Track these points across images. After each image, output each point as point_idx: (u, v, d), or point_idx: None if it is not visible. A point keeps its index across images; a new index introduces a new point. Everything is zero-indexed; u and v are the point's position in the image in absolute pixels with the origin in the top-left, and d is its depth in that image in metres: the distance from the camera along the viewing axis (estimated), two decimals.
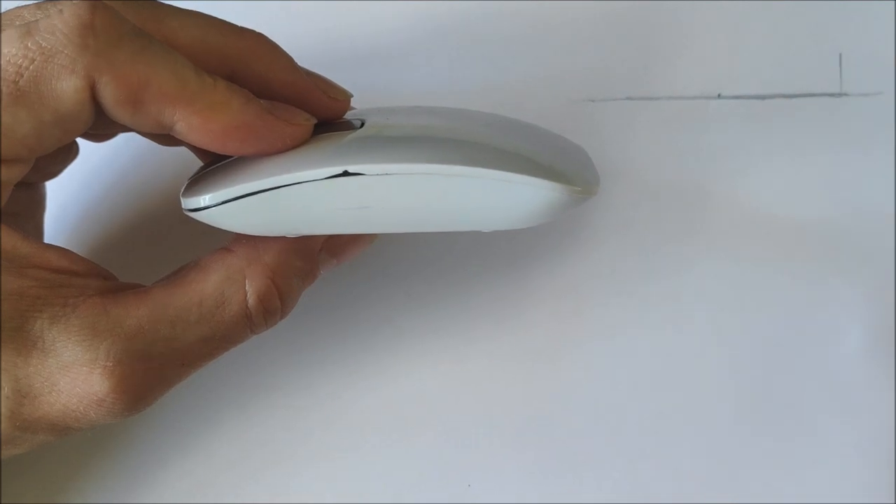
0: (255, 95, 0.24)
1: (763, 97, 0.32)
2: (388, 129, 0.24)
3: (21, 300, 0.22)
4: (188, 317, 0.24)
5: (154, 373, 0.23)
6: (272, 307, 0.25)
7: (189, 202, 0.24)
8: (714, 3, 0.33)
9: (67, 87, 0.21)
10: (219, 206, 0.23)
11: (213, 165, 0.25)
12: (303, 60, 0.25)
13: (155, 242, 0.31)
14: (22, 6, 0.24)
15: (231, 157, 0.25)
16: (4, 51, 0.21)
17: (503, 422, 0.31)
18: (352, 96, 0.26)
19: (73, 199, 0.31)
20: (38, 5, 0.24)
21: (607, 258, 0.32)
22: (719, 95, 0.33)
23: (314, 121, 0.24)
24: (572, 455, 0.31)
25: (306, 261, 0.26)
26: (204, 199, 0.23)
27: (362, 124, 0.25)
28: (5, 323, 0.22)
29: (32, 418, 0.23)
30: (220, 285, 0.24)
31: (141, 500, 0.30)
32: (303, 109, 0.25)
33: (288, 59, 0.25)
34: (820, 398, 0.31)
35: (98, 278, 0.24)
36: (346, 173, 0.23)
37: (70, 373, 0.22)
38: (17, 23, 0.23)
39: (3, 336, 0.22)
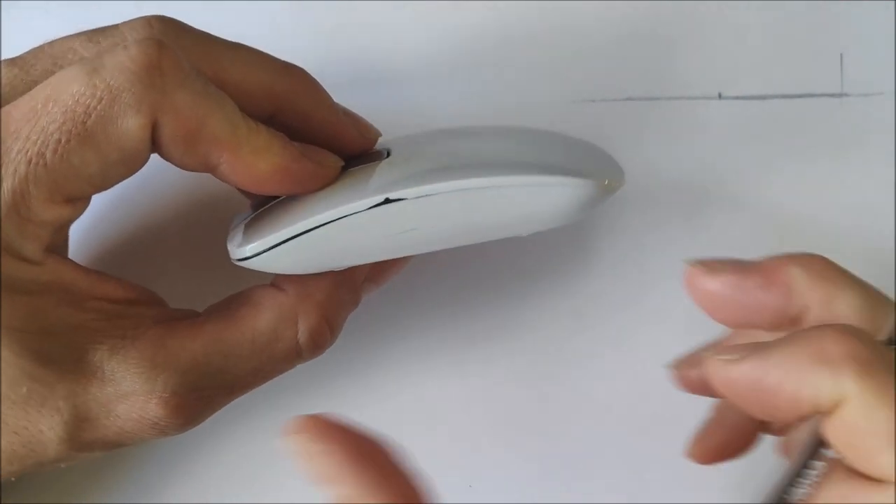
0: (293, 132, 0.25)
1: (764, 97, 0.32)
2: (418, 154, 0.25)
3: (81, 333, 0.23)
4: (240, 351, 0.25)
5: (205, 401, 0.25)
6: (322, 341, 0.26)
7: (237, 252, 0.25)
8: (714, 3, 0.33)
9: (132, 125, 0.22)
10: (267, 253, 0.24)
11: (254, 213, 0.26)
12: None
13: (159, 243, 0.31)
14: (71, 37, 0.24)
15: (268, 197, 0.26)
16: (73, 90, 0.21)
17: (504, 422, 0.31)
18: (381, 135, 0.27)
19: None
20: (89, 37, 0.24)
21: (608, 260, 0.32)
22: (720, 95, 0.32)
23: (342, 163, 0.25)
24: (573, 456, 0.31)
25: (353, 292, 0.27)
26: (251, 248, 0.24)
27: (388, 153, 0.25)
28: (68, 355, 0.23)
29: (90, 440, 0.23)
30: (272, 323, 0.25)
31: (146, 501, 0.30)
32: (335, 144, 0.26)
33: (327, 98, 0.26)
34: None
35: (152, 305, 0.25)
36: (387, 200, 0.23)
37: (127, 400, 0.23)
38: (71, 56, 0.24)
39: (65, 367, 0.23)
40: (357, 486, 0.20)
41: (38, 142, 0.21)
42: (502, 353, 0.31)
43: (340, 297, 0.26)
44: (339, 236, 0.24)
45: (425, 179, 0.24)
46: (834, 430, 0.19)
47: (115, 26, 0.24)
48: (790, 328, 0.23)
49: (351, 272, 0.26)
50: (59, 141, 0.21)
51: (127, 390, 0.23)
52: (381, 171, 0.24)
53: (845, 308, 0.22)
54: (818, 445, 0.21)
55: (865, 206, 0.32)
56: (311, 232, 0.24)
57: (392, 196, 0.23)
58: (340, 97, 0.27)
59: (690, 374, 0.26)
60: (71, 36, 0.24)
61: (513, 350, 0.31)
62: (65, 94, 0.21)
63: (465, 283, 0.32)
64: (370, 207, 0.23)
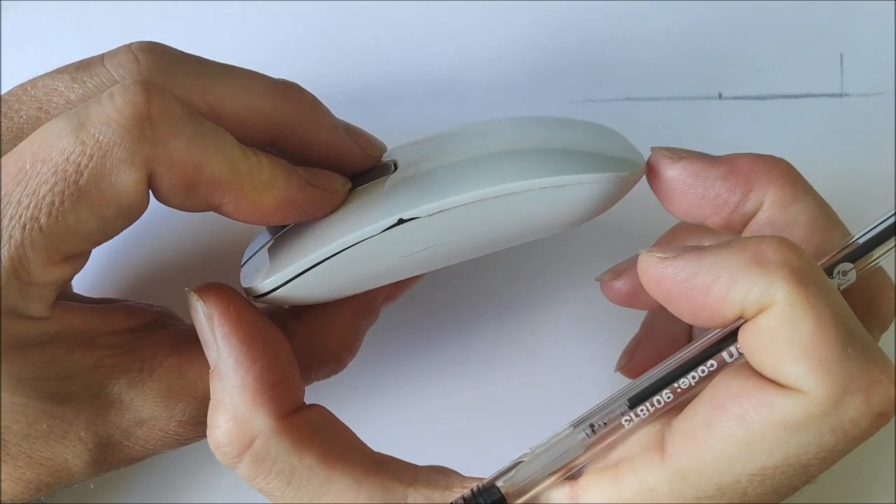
0: (296, 155, 0.24)
1: (764, 97, 0.32)
2: (425, 164, 0.24)
3: (97, 371, 0.23)
4: None
5: None
6: (340, 367, 0.26)
7: (253, 289, 0.24)
8: (715, 3, 0.33)
9: (127, 180, 0.21)
10: (280, 289, 0.23)
11: (261, 247, 0.25)
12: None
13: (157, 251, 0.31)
14: (54, 76, 0.23)
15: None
16: (61, 146, 0.21)
17: (506, 422, 0.31)
18: (385, 149, 0.26)
19: None
20: (72, 77, 0.23)
21: (607, 261, 0.32)
22: (720, 95, 0.32)
23: (350, 184, 0.24)
24: None
25: (372, 316, 0.27)
26: (268, 284, 0.23)
27: (395, 166, 0.24)
28: (85, 391, 0.23)
29: (115, 460, 0.24)
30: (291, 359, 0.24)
31: (148, 501, 0.30)
32: (340, 164, 0.25)
33: (328, 118, 0.25)
34: None
35: (167, 327, 0.25)
36: (401, 221, 0.22)
37: (146, 425, 0.24)
38: (56, 99, 0.23)
39: (83, 403, 0.23)
40: (227, 356, 0.22)
41: (31, 206, 0.21)
42: (504, 354, 0.31)
43: (360, 324, 0.26)
44: (354, 263, 0.23)
45: (437, 194, 0.22)
46: (752, 334, 0.20)
47: (100, 60, 0.23)
48: (739, 229, 0.23)
49: (370, 296, 0.26)
50: (53, 203, 0.21)
51: (146, 417, 0.23)
52: (390, 189, 0.23)
53: (801, 214, 0.22)
54: (721, 344, 0.21)
55: (865, 206, 0.32)
56: (324, 263, 0.23)
57: (405, 216, 0.22)
58: (341, 109, 0.26)
59: (618, 283, 0.26)
60: (53, 74, 0.23)
61: (515, 351, 0.31)
62: (53, 151, 0.21)
63: (468, 286, 0.32)
64: (384, 230, 0.23)
